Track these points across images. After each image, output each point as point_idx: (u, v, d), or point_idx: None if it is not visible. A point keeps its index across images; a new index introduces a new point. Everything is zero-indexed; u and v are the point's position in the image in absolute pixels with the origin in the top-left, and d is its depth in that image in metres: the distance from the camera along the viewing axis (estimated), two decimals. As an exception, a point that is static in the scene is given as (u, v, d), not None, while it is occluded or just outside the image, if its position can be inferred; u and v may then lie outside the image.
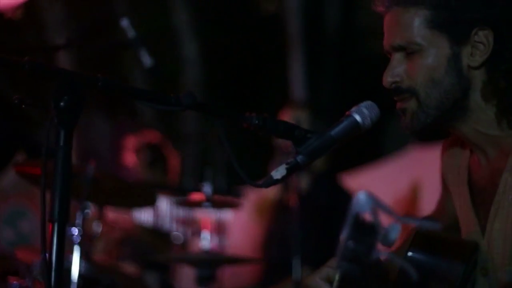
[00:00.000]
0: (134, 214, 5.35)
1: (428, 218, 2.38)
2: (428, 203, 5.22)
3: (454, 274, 2.07)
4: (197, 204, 4.24)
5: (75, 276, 3.37)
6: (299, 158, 2.03)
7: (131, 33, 3.53)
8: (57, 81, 1.87)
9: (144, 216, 5.39)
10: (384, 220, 1.62)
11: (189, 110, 2.00)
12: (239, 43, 11.34)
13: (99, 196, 3.62)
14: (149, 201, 4.03)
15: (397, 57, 2.16)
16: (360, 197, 1.59)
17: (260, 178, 2.06)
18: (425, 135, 2.18)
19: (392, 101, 2.19)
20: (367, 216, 1.59)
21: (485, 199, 2.16)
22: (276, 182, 2.03)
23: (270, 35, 11.47)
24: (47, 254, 1.82)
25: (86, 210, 3.57)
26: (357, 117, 2.04)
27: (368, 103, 2.06)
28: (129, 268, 4.93)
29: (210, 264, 4.08)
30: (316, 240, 4.60)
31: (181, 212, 5.38)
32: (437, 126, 2.18)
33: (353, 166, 6.60)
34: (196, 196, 4.17)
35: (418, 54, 2.12)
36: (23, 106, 1.91)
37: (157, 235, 5.33)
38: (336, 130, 2.04)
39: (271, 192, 5.06)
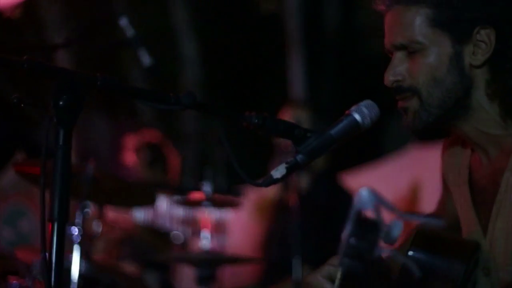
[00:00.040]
0: (134, 214, 5.35)
1: (431, 215, 2.37)
2: (428, 203, 5.22)
3: (455, 274, 2.07)
4: (197, 204, 4.24)
5: (75, 275, 3.37)
6: (299, 157, 2.03)
7: (130, 32, 3.52)
8: (56, 81, 1.86)
9: (144, 215, 5.38)
10: (386, 217, 1.62)
11: (189, 109, 1.99)
12: (239, 43, 11.34)
13: (98, 196, 3.61)
14: (149, 201, 4.03)
15: (398, 56, 2.15)
16: (363, 193, 1.59)
17: (260, 177, 2.06)
18: (427, 134, 2.18)
19: (392, 100, 2.19)
20: (370, 213, 1.59)
21: (486, 199, 2.16)
22: (276, 181, 2.02)
23: (269, 34, 11.46)
24: (47, 254, 1.82)
25: (86, 210, 3.57)
26: (357, 116, 2.03)
27: (368, 102, 2.06)
28: (129, 267, 4.93)
29: (210, 263, 4.08)
30: (316, 240, 4.60)
31: (181, 211, 5.38)
32: (439, 125, 2.18)
33: (353, 165, 6.60)
34: (196, 196, 4.17)
35: (420, 53, 2.12)
36: (22, 105, 1.90)
37: (157, 234, 5.33)
38: (335, 130, 2.03)
39: (271, 192, 5.06)
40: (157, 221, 5.43)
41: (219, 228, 5.50)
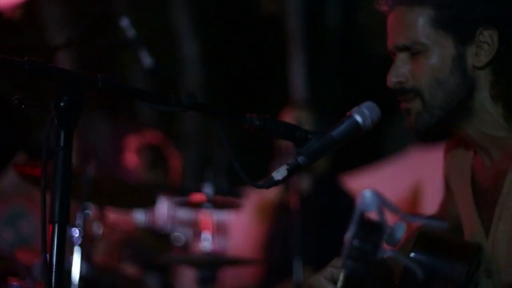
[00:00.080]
0: (135, 216, 5.35)
1: (434, 217, 2.36)
2: (429, 204, 5.21)
3: (457, 276, 2.07)
4: (198, 205, 4.23)
5: (75, 277, 3.36)
6: (300, 159, 2.03)
7: (131, 33, 3.52)
8: (57, 81, 1.86)
9: (144, 217, 5.38)
10: (389, 218, 1.61)
11: (190, 110, 1.99)
12: (239, 44, 11.34)
13: (99, 197, 3.61)
14: (150, 202, 4.03)
15: (401, 57, 2.15)
16: (366, 195, 1.58)
17: (261, 179, 2.06)
18: (429, 135, 2.17)
19: (394, 101, 2.18)
20: (373, 215, 1.58)
21: (488, 201, 2.15)
22: (277, 183, 2.02)
23: (270, 35, 11.46)
24: (47, 256, 1.81)
25: (87, 211, 3.56)
26: (358, 118, 2.03)
27: (369, 103, 2.05)
28: (130, 269, 4.93)
29: (211, 265, 4.07)
30: (317, 242, 4.59)
31: (182, 213, 5.37)
32: (442, 127, 2.17)
33: (354, 167, 6.59)
34: (197, 197, 4.16)
35: (423, 54, 2.11)
36: (23, 106, 1.90)
37: (157, 236, 5.32)
38: (337, 131, 2.03)
39: (272, 193, 5.05)
40: (158, 222, 5.43)
41: (220, 230, 5.49)
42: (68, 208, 1.85)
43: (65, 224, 1.84)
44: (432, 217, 2.26)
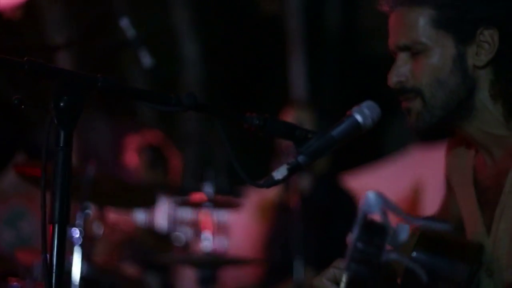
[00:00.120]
0: (135, 215, 5.34)
1: (438, 218, 2.36)
2: (430, 204, 5.21)
3: (459, 276, 2.06)
4: (198, 205, 4.23)
5: (76, 277, 3.36)
6: (300, 158, 2.02)
7: (131, 33, 3.52)
8: (57, 81, 1.86)
9: (145, 217, 5.37)
10: (393, 220, 1.60)
11: (190, 110, 1.99)
12: (239, 44, 11.34)
13: (99, 197, 3.61)
14: (150, 202, 4.03)
15: (402, 56, 2.15)
16: (370, 197, 1.58)
17: (261, 178, 2.05)
18: (430, 134, 2.18)
19: (394, 101, 2.18)
20: (377, 217, 1.57)
21: (490, 199, 2.15)
22: (277, 182, 2.02)
23: (270, 35, 11.46)
24: (47, 256, 1.81)
25: (87, 211, 3.56)
26: (358, 117, 2.03)
27: (369, 103, 2.05)
28: (130, 269, 4.93)
29: (212, 265, 4.08)
30: (317, 241, 4.59)
31: (182, 213, 5.37)
32: (443, 126, 2.18)
33: (355, 166, 6.59)
34: (197, 197, 4.16)
35: (423, 54, 2.11)
36: (23, 106, 1.89)
37: (158, 236, 5.32)
38: (337, 130, 2.03)
39: (272, 193, 5.04)
40: (158, 222, 5.42)
41: (220, 230, 5.49)
42: (68, 208, 1.85)
43: (65, 224, 1.84)
44: (436, 219, 2.26)
